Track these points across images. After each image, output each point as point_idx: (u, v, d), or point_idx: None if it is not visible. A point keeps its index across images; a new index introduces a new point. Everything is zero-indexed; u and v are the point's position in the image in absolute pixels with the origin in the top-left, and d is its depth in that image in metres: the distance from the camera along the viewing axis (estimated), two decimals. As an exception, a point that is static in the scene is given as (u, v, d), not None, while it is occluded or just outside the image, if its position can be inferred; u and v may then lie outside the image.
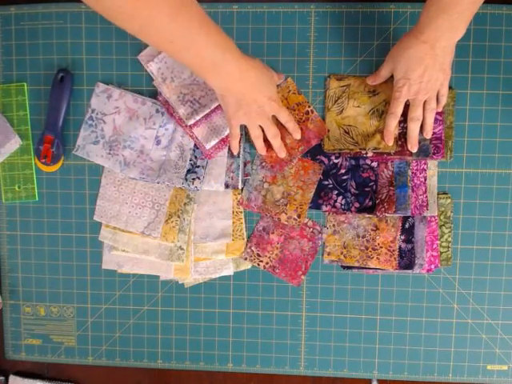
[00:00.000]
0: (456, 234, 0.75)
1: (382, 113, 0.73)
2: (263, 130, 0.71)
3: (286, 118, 0.71)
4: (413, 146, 0.71)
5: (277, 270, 0.77)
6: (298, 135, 0.73)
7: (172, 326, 0.80)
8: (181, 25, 0.54)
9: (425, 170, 0.74)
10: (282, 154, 0.73)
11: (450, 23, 0.60)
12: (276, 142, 0.72)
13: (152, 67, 0.73)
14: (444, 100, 0.71)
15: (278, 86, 0.75)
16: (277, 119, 0.72)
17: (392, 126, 0.70)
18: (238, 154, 0.75)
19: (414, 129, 0.70)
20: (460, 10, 0.59)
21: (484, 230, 0.75)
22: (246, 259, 0.77)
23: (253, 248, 0.77)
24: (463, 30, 0.62)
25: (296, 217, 0.75)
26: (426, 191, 0.74)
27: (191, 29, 0.55)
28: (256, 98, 0.66)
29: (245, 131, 0.75)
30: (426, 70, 0.65)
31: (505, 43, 0.73)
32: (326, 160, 0.76)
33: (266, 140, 0.73)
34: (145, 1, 0.49)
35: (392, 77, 0.73)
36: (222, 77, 0.62)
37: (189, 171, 0.75)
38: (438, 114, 0.72)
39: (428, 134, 0.71)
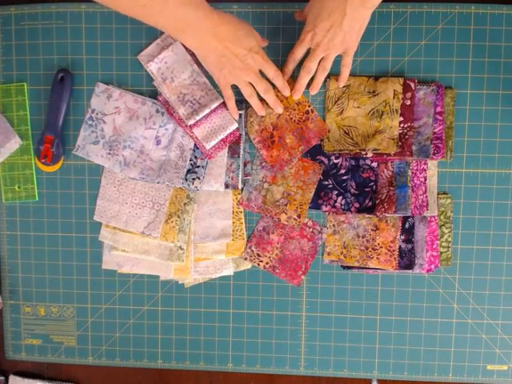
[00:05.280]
0: (456, 234, 0.75)
1: (382, 113, 0.73)
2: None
3: (272, 72, 0.68)
4: (296, 93, 0.70)
5: (277, 270, 0.77)
6: (286, 92, 0.71)
7: (172, 326, 0.80)
8: None
9: (425, 170, 0.74)
10: (278, 109, 0.71)
11: None
12: (269, 98, 0.70)
13: (152, 67, 0.73)
14: (345, 73, 0.69)
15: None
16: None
17: (290, 69, 0.70)
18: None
19: (302, 76, 0.69)
20: None
21: (484, 229, 0.75)
22: (246, 259, 0.77)
23: (253, 248, 0.77)
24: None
25: (296, 217, 0.75)
26: (425, 191, 0.74)
27: None
28: (236, 52, 0.64)
29: (245, 131, 0.75)
30: (332, 26, 0.62)
31: (505, 43, 0.73)
32: (325, 160, 0.76)
33: (265, 100, 0.71)
34: None
35: (392, 76, 0.73)
36: (196, 35, 0.61)
37: (189, 171, 0.75)
38: (438, 113, 0.72)
39: (313, 91, 0.71)
